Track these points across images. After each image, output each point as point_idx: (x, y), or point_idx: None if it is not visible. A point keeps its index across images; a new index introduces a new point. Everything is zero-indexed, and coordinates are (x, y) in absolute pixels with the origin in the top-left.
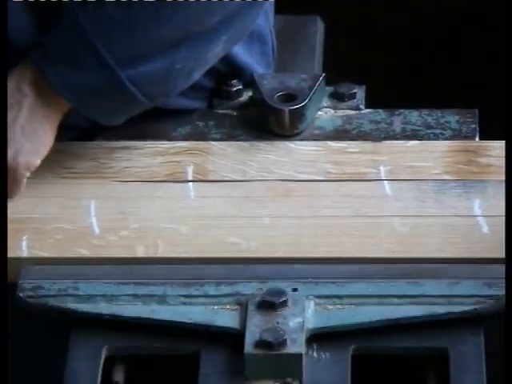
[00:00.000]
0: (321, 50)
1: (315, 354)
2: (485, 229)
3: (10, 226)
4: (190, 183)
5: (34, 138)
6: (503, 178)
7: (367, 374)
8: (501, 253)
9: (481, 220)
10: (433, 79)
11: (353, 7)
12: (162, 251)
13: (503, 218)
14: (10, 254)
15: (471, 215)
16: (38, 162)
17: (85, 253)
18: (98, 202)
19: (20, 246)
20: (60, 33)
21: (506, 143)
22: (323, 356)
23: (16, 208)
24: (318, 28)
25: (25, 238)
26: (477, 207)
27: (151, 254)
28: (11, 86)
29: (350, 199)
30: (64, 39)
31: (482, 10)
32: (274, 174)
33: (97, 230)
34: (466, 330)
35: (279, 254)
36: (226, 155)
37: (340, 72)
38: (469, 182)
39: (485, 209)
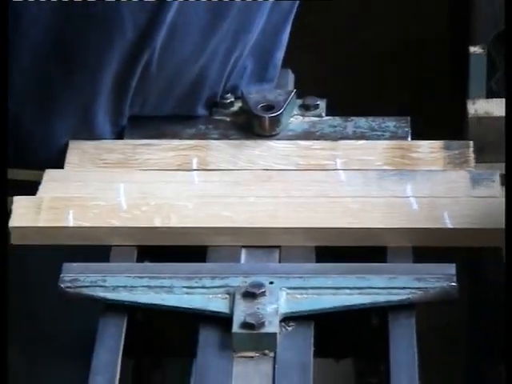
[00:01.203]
0: None
1: (285, 329)
2: (414, 206)
3: (59, 203)
4: (195, 171)
5: None
6: (428, 168)
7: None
8: (425, 224)
9: (412, 199)
10: (377, 94)
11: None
12: (174, 222)
13: (429, 199)
14: (60, 223)
15: (404, 196)
16: None
17: (115, 223)
18: (125, 185)
19: (67, 218)
20: None
21: (506, 142)
22: (291, 330)
23: (65, 189)
24: (289, 79)
25: (71, 212)
26: (409, 190)
27: (165, 224)
28: None
29: (314, 184)
30: None
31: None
32: (258, 164)
33: (124, 206)
34: (401, 315)
35: (260, 224)
36: (222, 150)
37: (308, 88)
38: (403, 171)
39: (414, 191)
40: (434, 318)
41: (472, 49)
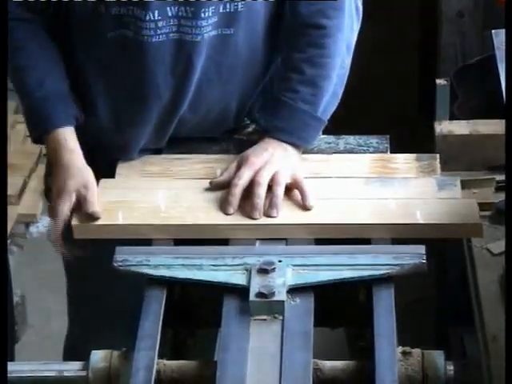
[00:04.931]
0: None
1: (292, 302)
2: (393, 206)
3: (111, 206)
4: None
5: None
6: (404, 175)
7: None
8: (402, 220)
9: (391, 201)
10: (364, 117)
11: None
12: (202, 219)
13: (404, 200)
14: (112, 221)
15: (385, 198)
16: None
17: (156, 221)
18: (163, 191)
19: (118, 217)
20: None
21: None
22: (296, 301)
23: (116, 194)
24: None
25: (120, 212)
26: (388, 193)
27: (195, 221)
28: None
29: (313, 188)
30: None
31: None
32: None
33: (162, 208)
34: (382, 286)
35: (271, 221)
36: None
37: None
38: (383, 179)
39: (392, 194)
40: (409, 294)
41: (438, 81)
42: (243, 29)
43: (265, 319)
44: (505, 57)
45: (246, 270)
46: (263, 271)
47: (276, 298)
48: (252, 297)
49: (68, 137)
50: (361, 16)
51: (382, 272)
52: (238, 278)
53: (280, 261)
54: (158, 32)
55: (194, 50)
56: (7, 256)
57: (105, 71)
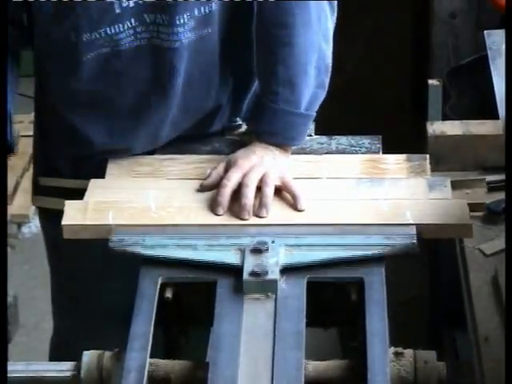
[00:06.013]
0: None
1: (283, 284)
2: (384, 206)
3: (102, 206)
4: None
5: None
6: (394, 176)
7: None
8: (392, 220)
9: (381, 201)
10: (358, 117)
11: None
12: (193, 219)
13: (395, 201)
14: (102, 222)
15: (376, 199)
16: None
17: (146, 221)
18: (154, 191)
19: (108, 217)
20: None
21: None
22: (289, 283)
23: (106, 195)
24: None
25: (111, 212)
26: (379, 194)
27: (186, 221)
28: None
29: (305, 189)
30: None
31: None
32: None
33: (153, 208)
34: (374, 265)
35: (262, 221)
36: None
37: None
38: (374, 179)
39: (383, 195)
40: (402, 294)
41: (430, 81)
42: (220, 26)
43: (258, 298)
44: (505, 57)
45: (240, 250)
46: (257, 251)
47: (269, 276)
48: (246, 276)
49: None
50: (335, 4)
51: (373, 252)
52: (232, 258)
53: (273, 241)
54: (138, 37)
55: (174, 56)
56: (6, 257)
57: (89, 89)
